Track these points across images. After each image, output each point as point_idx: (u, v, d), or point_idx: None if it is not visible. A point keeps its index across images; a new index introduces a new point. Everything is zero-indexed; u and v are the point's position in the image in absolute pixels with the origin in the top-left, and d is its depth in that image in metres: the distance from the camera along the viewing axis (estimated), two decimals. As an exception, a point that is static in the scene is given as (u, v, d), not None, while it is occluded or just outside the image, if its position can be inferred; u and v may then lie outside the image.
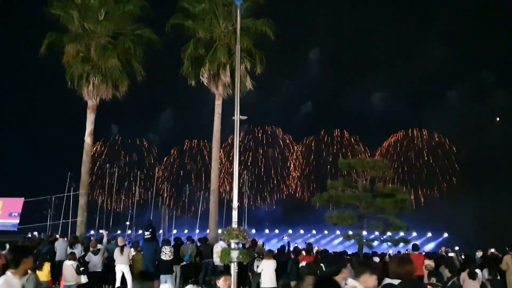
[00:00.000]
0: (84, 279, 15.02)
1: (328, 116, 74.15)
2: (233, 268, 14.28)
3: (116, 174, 74.98)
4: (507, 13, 61.92)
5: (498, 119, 66.88)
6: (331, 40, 72.52)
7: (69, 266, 14.66)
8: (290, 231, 63.41)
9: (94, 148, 76.51)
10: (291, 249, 21.58)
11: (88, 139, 24.71)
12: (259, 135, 78.50)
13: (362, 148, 73.90)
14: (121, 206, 73.82)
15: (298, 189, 75.15)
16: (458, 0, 63.49)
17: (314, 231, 63.16)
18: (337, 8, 66.83)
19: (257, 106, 71.82)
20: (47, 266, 14.69)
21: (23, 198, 29.79)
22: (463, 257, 21.08)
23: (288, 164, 78.08)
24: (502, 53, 62.72)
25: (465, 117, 65.73)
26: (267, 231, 62.48)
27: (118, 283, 16.29)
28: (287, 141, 78.64)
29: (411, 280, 4.93)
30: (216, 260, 17.69)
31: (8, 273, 6.13)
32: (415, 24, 70.29)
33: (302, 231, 63.93)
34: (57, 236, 19.89)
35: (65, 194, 32.71)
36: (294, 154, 77.72)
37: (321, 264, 14.80)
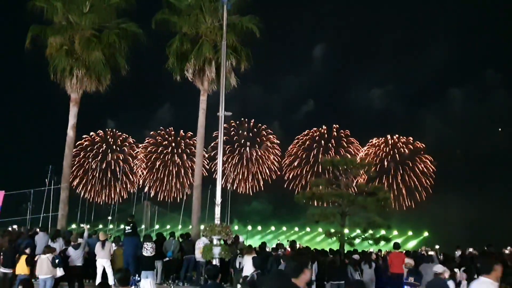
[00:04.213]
0: (60, 272, 14.87)
1: (329, 113, 74.19)
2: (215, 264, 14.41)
3: (100, 168, 74.87)
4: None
5: (500, 129, 67.34)
6: (333, 37, 72.58)
7: (44, 259, 14.55)
8: (273, 228, 63.54)
9: (85, 142, 76.06)
10: (274, 246, 21.65)
11: (70, 132, 24.47)
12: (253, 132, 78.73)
13: (358, 145, 74.13)
14: (104, 200, 73.39)
15: (286, 186, 75.44)
16: (463, -2, 63.51)
17: (296, 228, 63.30)
18: (341, 5, 66.79)
19: (257, 103, 72.07)
20: (23, 260, 14.59)
21: (3, 191, 29.37)
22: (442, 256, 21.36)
23: (278, 162, 78.38)
24: (508, 53, 63.14)
25: (464, 117, 66.34)
26: (249, 227, 62.46)
27: (98, 278, 16.19)
28: (276, 139, 78.85)
29: None
30: (198, 256, 17.74)
31: None
32: (420, 22, 70.49)
33: (284, 228, 64.02)
34: (37, 229, 19.67)
35: (46, 188, 32.35)
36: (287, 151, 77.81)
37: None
